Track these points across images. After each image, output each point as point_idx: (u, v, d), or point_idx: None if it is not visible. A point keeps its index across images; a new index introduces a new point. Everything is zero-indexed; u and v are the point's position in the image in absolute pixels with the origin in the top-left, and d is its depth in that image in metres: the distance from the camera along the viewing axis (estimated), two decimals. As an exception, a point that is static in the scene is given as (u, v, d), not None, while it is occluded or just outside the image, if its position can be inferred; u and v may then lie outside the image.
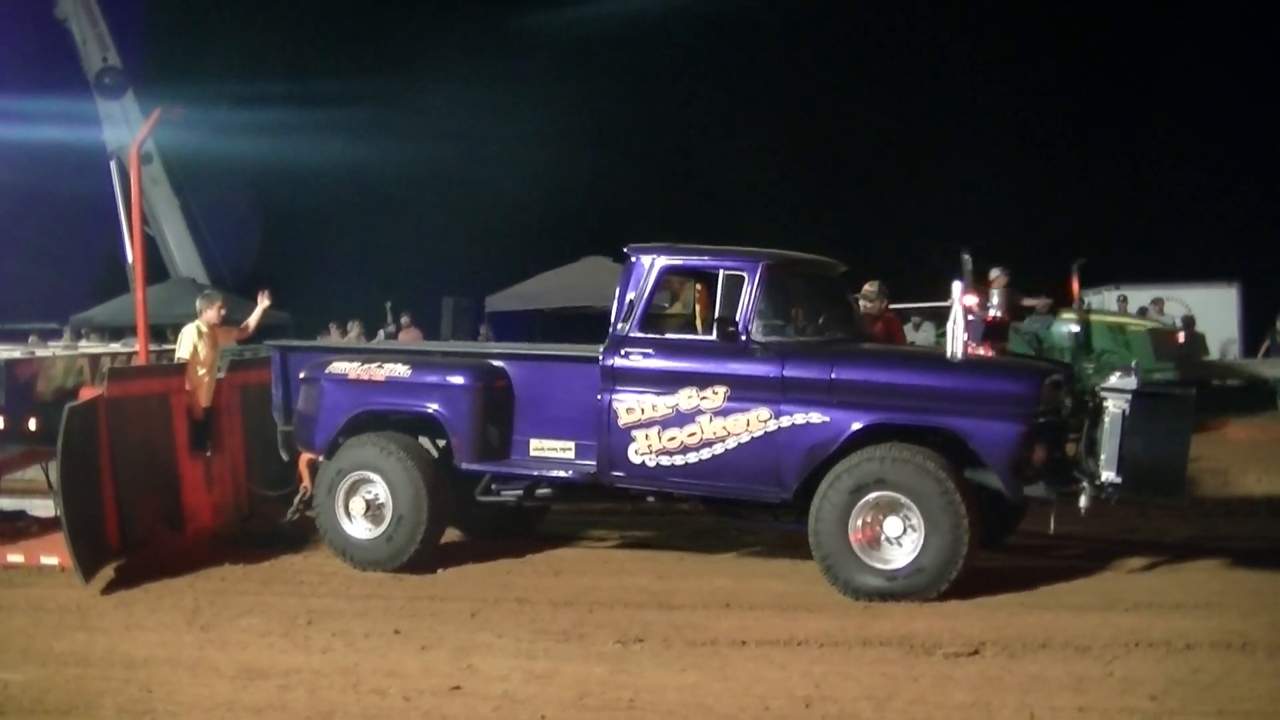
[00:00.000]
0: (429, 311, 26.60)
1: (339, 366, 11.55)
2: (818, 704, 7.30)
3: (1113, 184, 34.74)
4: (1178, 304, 25.29)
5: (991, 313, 11.90)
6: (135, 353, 13.18)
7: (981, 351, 10.67)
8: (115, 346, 15.76)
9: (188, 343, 12.16)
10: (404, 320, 26.09)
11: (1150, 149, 34.83)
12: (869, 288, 13.12)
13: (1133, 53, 35.86)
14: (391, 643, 8.83)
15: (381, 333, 25.82)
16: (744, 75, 39.27)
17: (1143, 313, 24.13)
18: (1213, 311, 25.45)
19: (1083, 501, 9.86)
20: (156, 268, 30.08)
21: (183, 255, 32.77)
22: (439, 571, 11.10)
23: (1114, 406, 9.85)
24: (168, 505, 11.61)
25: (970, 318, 10.57)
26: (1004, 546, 11.10)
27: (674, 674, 7.95)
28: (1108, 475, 9.82)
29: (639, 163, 39.49)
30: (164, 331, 24.18)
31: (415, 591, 10.42)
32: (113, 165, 30.36)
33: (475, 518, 12.28)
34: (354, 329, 25.86)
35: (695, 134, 39.52)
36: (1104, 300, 25.81)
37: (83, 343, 20.93)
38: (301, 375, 11.74)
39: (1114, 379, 10.21)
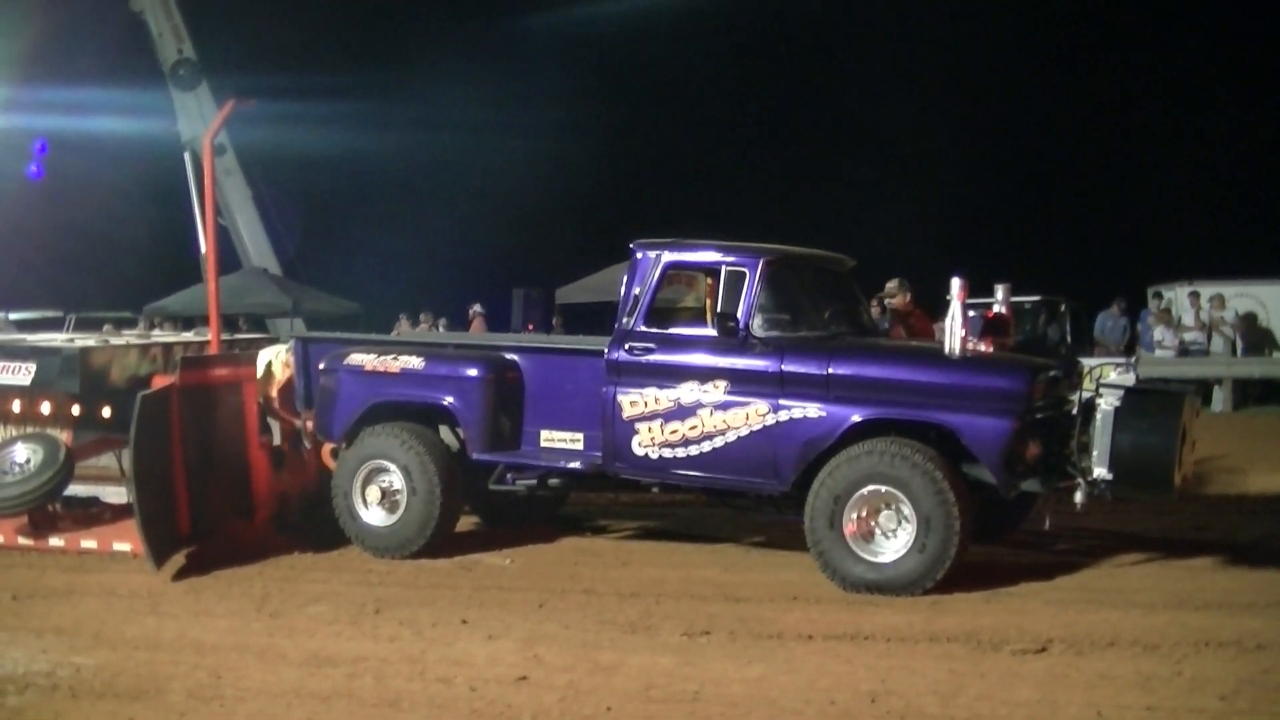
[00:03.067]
0: (504, 302, 26.69)
1: (356, 358, 11.67)
2: (883, 699, 7.27)
3: (1187, 176, 34.31)
4: (1250, 299, 24.98)
5: (995, 308, 11.85)
6: (208, 341, 13.28)
7: (981, 347, 10.65)
8: (188, 335, 15.83)
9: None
10: (474, 310, 26.19)
11: (1225, 140, 34.39)
12: (891, 285, 13.12)
13: (1210, 35, 35.37)
14: (458, 632, 8.88)
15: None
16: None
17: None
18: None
19: (1078, 497, 9.90)
20: (229, 258, 30.38)
21: (255, 246, 33.08)
22: (507, 562, 11.15)
23: (1106, 403, 9.85)
24: (238, 493, 11.72)
25: (970, 314, 10.56)
26: (1060, 543, 11.14)
27: (740, 667, 7.94)
28: (1099, 471, 9.82)
29: (709, 157, 39.46)
30: (236, 321, 24.45)
31: (483, 581, 10.46)
32: (187, 157, 30.63)
33: (492, 506, 12.44)
34: (427, 321, 25.98)
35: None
36: (1176, 295, 25.57)
37: (156, 332, 21.07)
38: (320, 366, 11.86)
39: (1112, 375, 10.18)
